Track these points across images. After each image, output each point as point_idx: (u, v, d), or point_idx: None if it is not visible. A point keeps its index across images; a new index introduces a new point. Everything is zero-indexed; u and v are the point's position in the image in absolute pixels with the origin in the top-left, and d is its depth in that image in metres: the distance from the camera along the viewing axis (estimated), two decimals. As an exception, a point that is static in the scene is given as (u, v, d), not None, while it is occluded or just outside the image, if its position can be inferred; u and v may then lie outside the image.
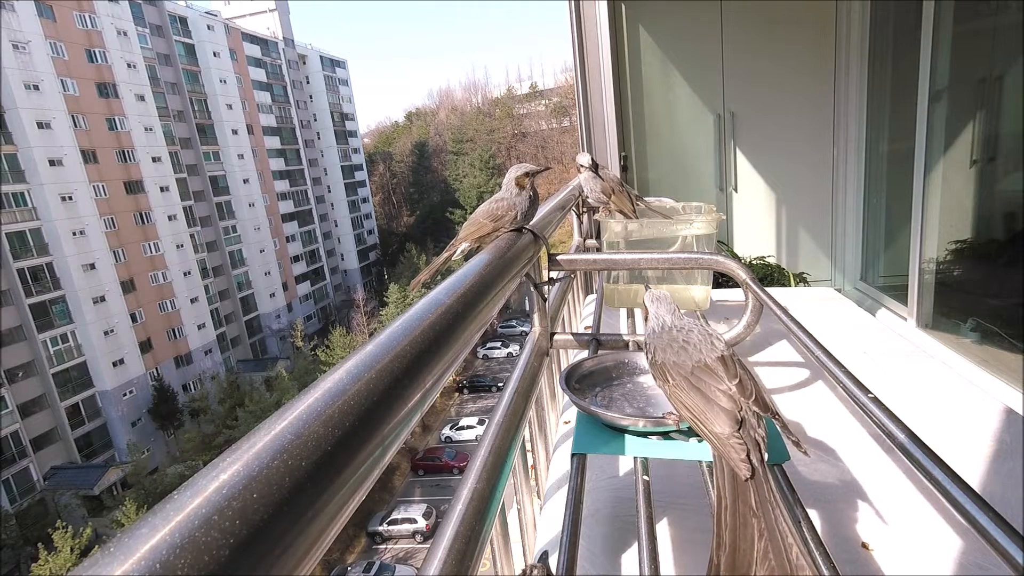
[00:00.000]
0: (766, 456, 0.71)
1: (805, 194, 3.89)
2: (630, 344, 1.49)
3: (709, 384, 0.78)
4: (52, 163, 27.47)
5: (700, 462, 0.85)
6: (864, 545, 0.99)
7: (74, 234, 27.98)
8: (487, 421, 0.99)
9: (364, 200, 56.14)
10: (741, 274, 1.46)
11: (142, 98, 32.68)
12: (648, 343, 0.89)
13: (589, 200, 2.24)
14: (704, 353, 0.81)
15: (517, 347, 31.90)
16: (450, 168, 61.25)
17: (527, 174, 1.30)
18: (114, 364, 28.64)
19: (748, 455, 0.69)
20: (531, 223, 1.36)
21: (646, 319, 0.95)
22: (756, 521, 0.63)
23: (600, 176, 2.15)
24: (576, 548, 0.72)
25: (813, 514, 0.92)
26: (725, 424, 0.73)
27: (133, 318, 30.29)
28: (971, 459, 1.21)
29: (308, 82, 50.97)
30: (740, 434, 0.71)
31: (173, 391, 30.28)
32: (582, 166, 2.17)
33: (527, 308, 1.55)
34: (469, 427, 26.33)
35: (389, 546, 20.83)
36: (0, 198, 25.34)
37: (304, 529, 0.37)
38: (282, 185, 44.14)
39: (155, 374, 30.69)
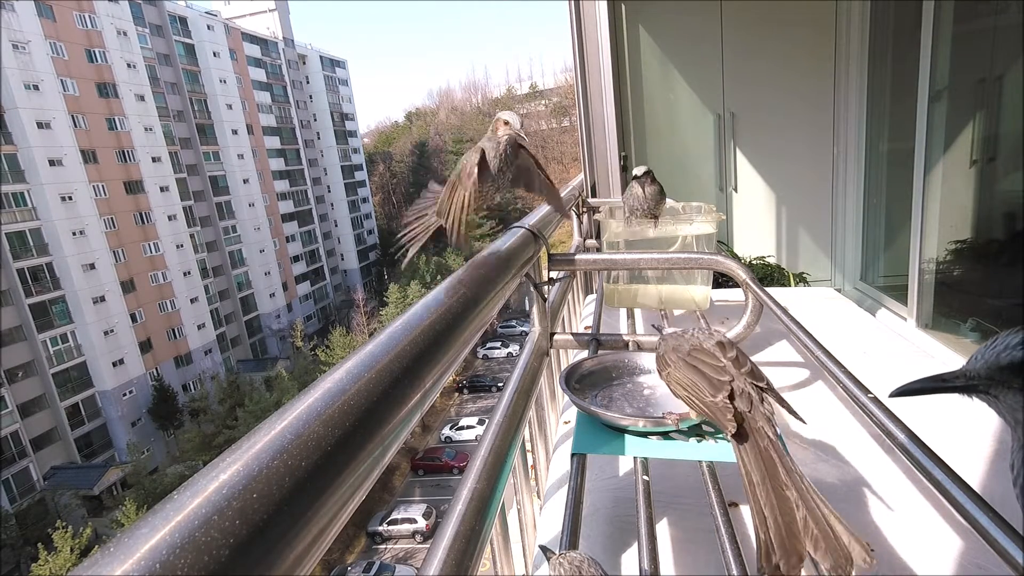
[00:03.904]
0: (779, 430, 0.73)
1: (805, 194, 3.89)
2: (630, 344, 1.49)
3: (702, 360, 0.82)
4: (52, 163, 27.47)
5: (700, 462, 0.85)
6: (864, 545, 0.98)
7: (74, 234, 27.97)
8: (487, 421, 0.99)
9: (364, 200, 56.09)
10: (741, 274, 1.46)
11: (142, 98, 32.68)
12: (659, 342, 0.95)
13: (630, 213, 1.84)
14: (702, 340, 0.86)
15: (517, 347, 31.88)
16: (450, 168, 59.78)
17: (507, 123, 1.14)
18: (114, 364, 28.64)
19: (734, 415, 0.73)
20: (531, 223, 1.35)
21: None
22: (789, 493, 0.64)
23: (646, 192, 1.76)
24: (576, 548, 0.72)
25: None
26: (716, 392, 0.77)
27: (133, 318, 30.28)
28: (971, 459, 1.21)
29: (308, 82, 50.94)
30: (732, 404, 0.75)
31: (173, 391, 30.28)
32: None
33: (527, 308, 1.55)
34: (469, 427, 26.32)
35: (389, 546, 20.83)
36: (0, 198, 25.35)
37: (304, 529, 0.37)
38: (282, 185, 44.13)
39: (155, 374, 30.69)
